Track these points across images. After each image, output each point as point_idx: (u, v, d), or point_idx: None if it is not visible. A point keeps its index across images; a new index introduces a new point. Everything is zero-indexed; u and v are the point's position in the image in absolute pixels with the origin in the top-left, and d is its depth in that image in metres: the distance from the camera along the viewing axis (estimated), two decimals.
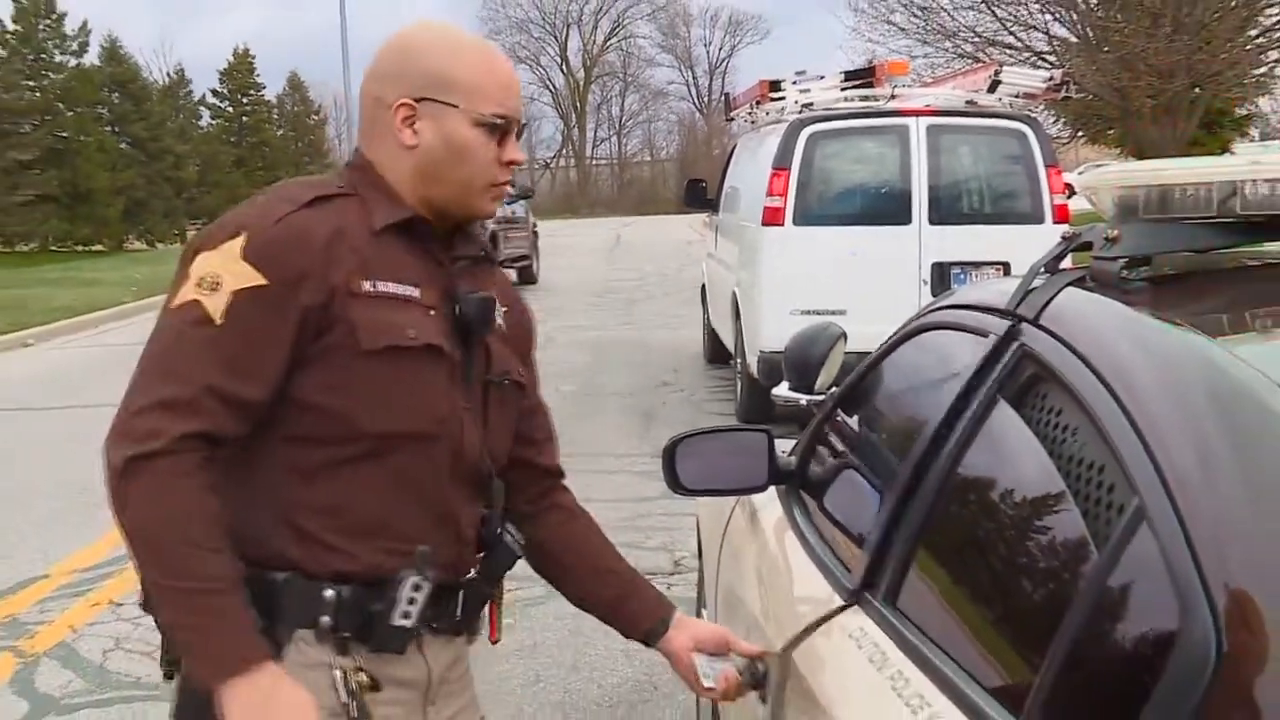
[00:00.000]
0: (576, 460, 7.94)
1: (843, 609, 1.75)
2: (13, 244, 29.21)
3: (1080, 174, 2.02)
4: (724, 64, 59.05)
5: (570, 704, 3.85)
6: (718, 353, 9.71)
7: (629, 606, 1.82)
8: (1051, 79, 8.36)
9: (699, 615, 3.14)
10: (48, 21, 30.02)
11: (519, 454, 1.76)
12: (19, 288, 18.21)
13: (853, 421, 2.26)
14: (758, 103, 8.67)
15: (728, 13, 62.86)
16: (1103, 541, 1.17)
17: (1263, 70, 22.03)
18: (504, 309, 1.69)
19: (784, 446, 2.44)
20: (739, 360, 8.14)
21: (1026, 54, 21.19)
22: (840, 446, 2.29)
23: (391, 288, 1.54)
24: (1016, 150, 7.67)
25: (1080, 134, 25.45)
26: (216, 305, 1.46)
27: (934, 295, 6.43)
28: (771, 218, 7.51)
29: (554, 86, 58.38)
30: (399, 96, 1.57)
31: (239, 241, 1.48)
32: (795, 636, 1.80)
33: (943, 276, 7.40)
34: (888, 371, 2.18)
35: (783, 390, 2.79)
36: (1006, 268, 7.14)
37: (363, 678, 1.53)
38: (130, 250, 29.93)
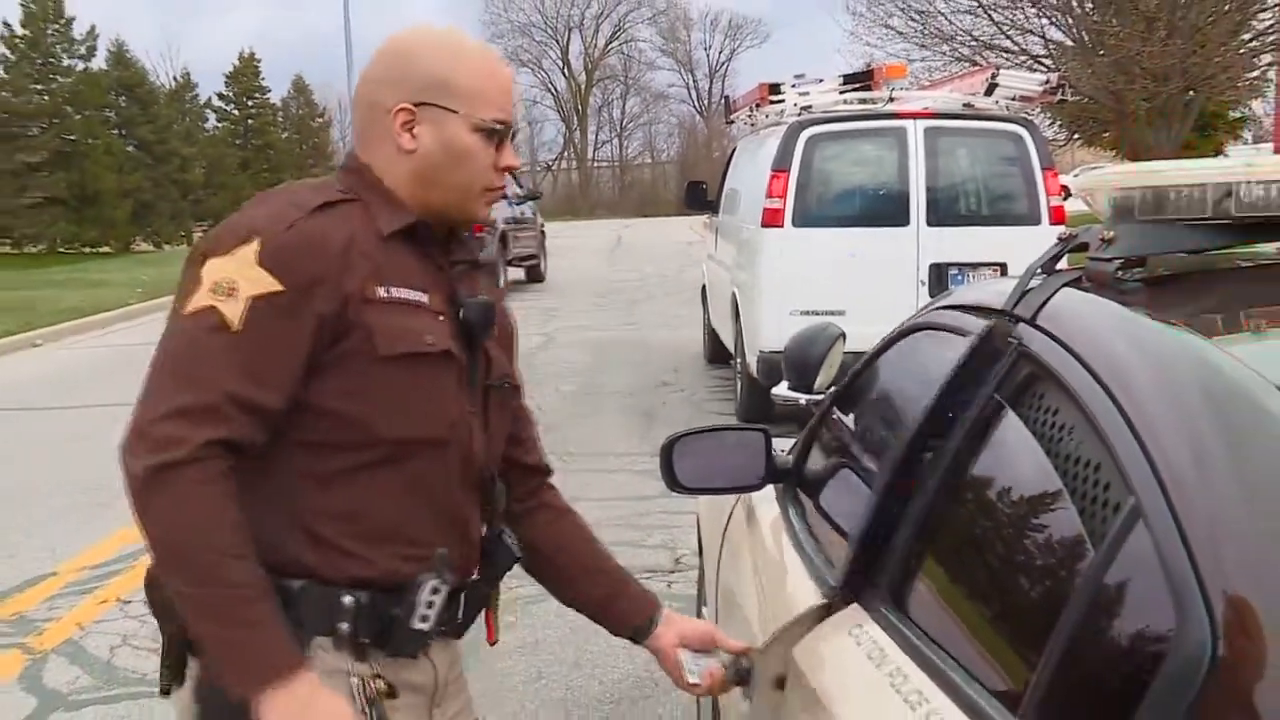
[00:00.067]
0: (578, 459, 7.95)
1: (826, 607, 1.76)
2: (21, 246, 29.26)
3: (1076, 176, 2.04)
4: (724, 67, 59.26)
5: (572, 700, 3.86)
6: (718, 353, 9.71)
7: (618, 605, 1.84)
8: (1048, 82, 8.37)
9: (699, 612, 3.15)
10: (56, 26, 30.13)
11: (508, 453, 1.76)
12: (27, 289, 18.25)
13: (849, 420, 2.27)
14: (757, 105, 8.69)
15: (727, 16, 63.05)
16: (1099, 540, 1.18)
17: (1255, 74, 22.12)
18: None
19: (785, 446, 2.46)
20: (739, 360, 8.15)
21: (1023, 57, 21.24)
22: (836, 445, 2.30)
23: (404, 293, 1.53)
24: (1013, 152, 7.69)
25: (1076, 136, 25.51)
26: (234, 311, 1.44)
27: (932, 296, 6.44)
28: (771, 219, 7.53)
29: (556, 89, 58.53)
30: (398, 101, 1.56)
31: (253, 247, 1.46)
32: (775, 634, 1.82)
33: (940, 277, 7.41)
34: (884, 370, 2.19)
35: (782, 390, 2.80)
36: (1003, 268, 7.16)
37: (380, 684, 1.53)
38: (137, 252, 29.99)
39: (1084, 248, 1.62)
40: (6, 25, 29.71)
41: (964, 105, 8.00)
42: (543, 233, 18.86)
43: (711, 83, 58.95)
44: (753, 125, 9.32)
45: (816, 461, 2.32)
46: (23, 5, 29.61)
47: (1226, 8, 19.92)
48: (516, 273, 17.83)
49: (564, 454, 7.23)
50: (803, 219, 7.51)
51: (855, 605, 1.72)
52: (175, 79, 38.80)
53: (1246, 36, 20.77)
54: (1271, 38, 20.34)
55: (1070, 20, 21.64)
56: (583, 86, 58.12)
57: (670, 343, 11.67)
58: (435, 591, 1.54)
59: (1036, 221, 7.51)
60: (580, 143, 57.93)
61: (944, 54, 22.14)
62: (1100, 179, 1.72)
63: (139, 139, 32.10)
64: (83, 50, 30.70)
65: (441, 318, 1.58)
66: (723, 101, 28.14)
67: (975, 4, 21.65)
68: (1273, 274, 1.64)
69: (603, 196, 54.03)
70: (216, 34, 74.11)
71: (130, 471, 1.42)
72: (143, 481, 1.41)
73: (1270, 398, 1.14)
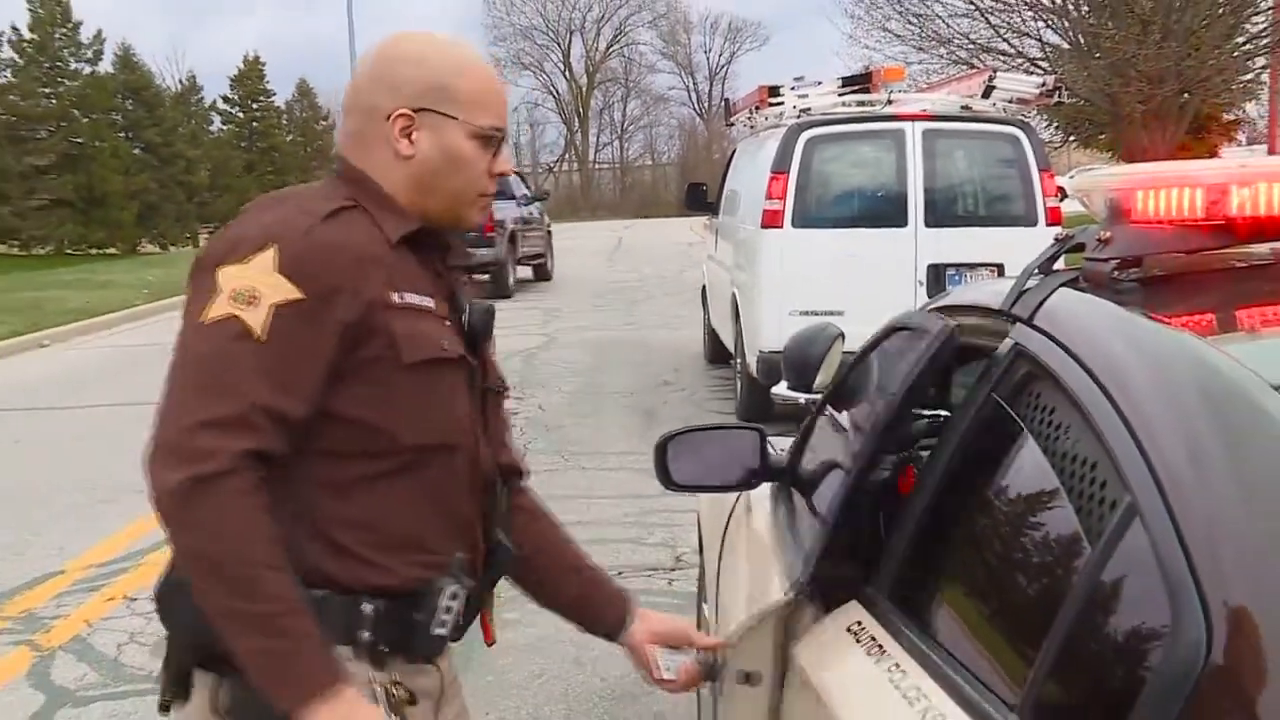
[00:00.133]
0: (579, 458, 7.95)
1: (787, 604, 1.78)
2: (29, 247, 29.31)
3: (1072, 177, 2.06)
4: (724, 70, 59.28)
5: (573, 696, 3.88)
6: (718, 353, 9.73)
7: (593, 603, 1.85)
8: (1044, 85, 8.39)
9: (700, 609, 3.18)
10: (63, 30, 30.19)
11: None
12: (35, 290, 18.26)
13: (837, 419, 2.28)
14: (757, 108, 8.71)
15: (727, 20, 62.98)
16: (1096, 538, 1.18)
17: (1249, 76, 22.17)
18: None
19: (786, 445, 2.48)
20: (739, 360, 8.17)
21: (1020, 60, 21.25)
22: (825, 444, 2.31)
23: (416, 299, 1.53)
24: (1010, 154, 7.71)
25: (1072, 138, 25.55)
26: (257, 319, 1.42)
27: (930, 296, 6.46)
28: (770, 220, 7.55)
29: (557, 92, 58.54)
30: (397, 106, 1.54)
31: (270, 254, 1.44)
32: (740, 630, 1.83)
33: (938, 278, 7.43)
34: (862, 372, 2.19)
35: (782, 389, 2.83)
36: (1001, 269, 7.18)
37: (401, 692, 1.53)
38: (143, 253, 30.04)
39: (1080, 248, 1.63)
40: (14, 29, 29.87)
41: (961, 107, 8.01)
42: (549, 232, 19.42)
43: (711, 85, 59.09)
44: (752, 127, 9.35)
45: (809, 460, 2.33)
46: (30, 10, 29.71)
47: (1220, 11, 19.96)
48: (524, 271, 18.12)
49: (565, 453, 7.26)
50: (802, 220, 7.54)
51: (853, 602, 1.73)
52: (181, 82, 38.83)
53: (1240, 40, 20.81)
54: (1265, 41, 20.37)
55: (1066, 24, 21.67)
56: (584, 89, 58.12)
57: (671, 343, 11.68)
58: (454, 597, 1.55)
59: (1033, 222, 7.53)
60: (581, 145, 57.93)
61: (941, 57, 22.16)
62: (1097, 180, 1.73)
63: (145, 141, 32.19)
64: (90, 54, 30.79)
65: (448, 323, 1.58)
66: (722, 104, 28.18)
67: (972, 7, 21.67)
68: (1268, 274, 1.64)
69: (604, 198, 53.99)
70: (221, 38, 74.22)
71: (163, 484, 1.39)
72: (180, 494, 1.38)
73: (1267, 397, 1.15)
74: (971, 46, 21.93)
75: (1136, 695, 1.02)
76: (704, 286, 10.60)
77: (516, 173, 20.34)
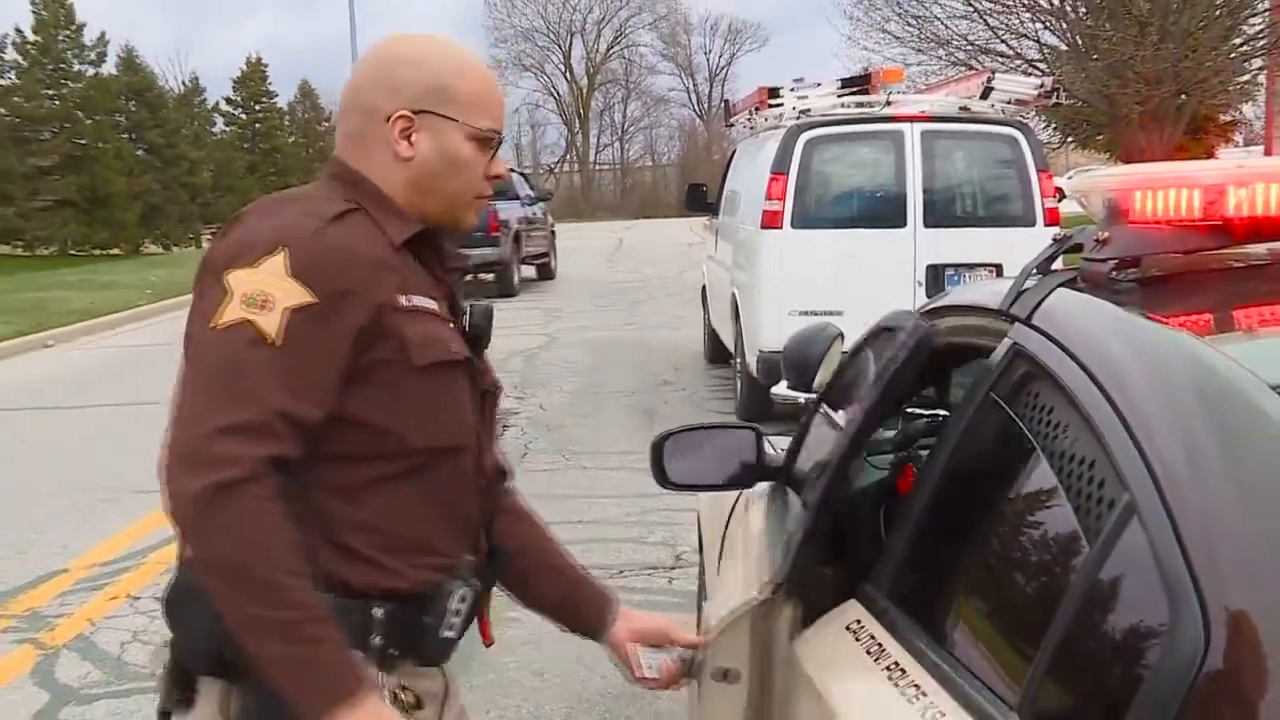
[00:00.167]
0: (580, 458, 7.96)
1: (761, 603, 1.79)
2: (33, 248, 29.31)
3: (1071, 178, 2.07)
4: (724, 71, 59.23)
5: (575, 694, 3.88)
6: (718, 353, 9.74)
7: (575, 603, 1.85)
8: (1042, 86, 8.41)
9: (700, 608, 3.19)
10: (67, 32, 30.19)
11: None
12: (39, 290, 18.27)
13: (839, 418, 2.30)
14: (756, 109, 8.73)
15: (727, 21, 62.89)
16: (1094, 537, 1.18)
17: (1246, 77, 22.18)
18: None
19: (784, 444, 2.50)
20: (739, 360, 8.18)
21: (1018, 62, 21.25)
22: (818, 443, 2.33)
23: (422, 302, 1.53)
24: (1008, 155, 7.73)
25: (1070, 139, 25.56)
26: (271, 324, 1.40)
27: (929, 296, 6.48)
28: (770, 221, 7.57)
29: (558, 94, 58.54)
30: (397, 108, 1.54)
31: (281, 258, 1.42)
32: (716, 628, 1.84)
33: (937, 278, 7.45)
34: (851, 371, 2.20)
35: (782, 389, 2.84)
36: (999, 269, 7.20)
37: (410, 696, 1.53)
38: (146, 254, 30.06)
39: (1079, 248, 1.64)
40: (18, 31, 29.85)
41: (960, 109, 8.03)
42: (553, 232, 19.72)
43: (711, 87, 59.04)
44: (752, 128, 9.36)
45: (804, 459, 2.33)
46: (34, 12, 29.74)
47: (1218, 13, 19.96)
48: (528, 270, 18.22)
49: (566, 452, 7.28)
50: (801, 221, 7.55)
51: (853, 601, 1.74)
52: (184, 84, 38.88)
53: (1237, 41, 20.81)
54: (1262, 42, 20.38)
55: (1064, 25, 21.68)
56: (585, 91, 58.13)
57: (671, 343, 11.69)
58: (463, 599, 1.55)
59: (1032, 223, 7.55)
60: (582, 146, 57.92)
61: (940, 58, 22.15)
62: (1095, 181, 1.74)
63: (148, 143, 32.19)
64: (93, 56, 30.81)
65: (451, 325, 1.59)
66: (722, 105, 28.18)
67: (970, 9, 21.66)
68: (1265, 274, 1.64)
69: (604, 199, 53.98)
70: (224, 39, 74.35)
71: (183, 492, 1.38)
72: (202, 501, 1.36)
73: (1264, 397, 1.15)
74: (970, 48, 21.92)
75: (1135, 693, 1.03)
76: (704, 287, 10.62)
77: (521, 173, 20.44)
